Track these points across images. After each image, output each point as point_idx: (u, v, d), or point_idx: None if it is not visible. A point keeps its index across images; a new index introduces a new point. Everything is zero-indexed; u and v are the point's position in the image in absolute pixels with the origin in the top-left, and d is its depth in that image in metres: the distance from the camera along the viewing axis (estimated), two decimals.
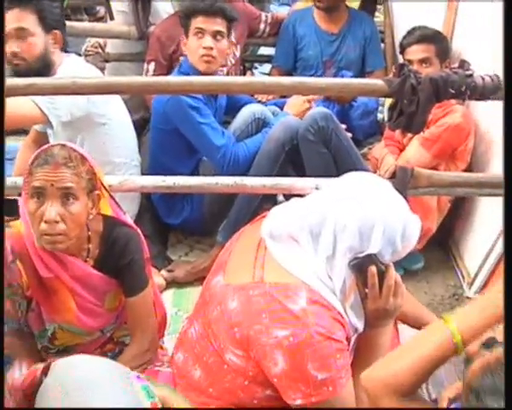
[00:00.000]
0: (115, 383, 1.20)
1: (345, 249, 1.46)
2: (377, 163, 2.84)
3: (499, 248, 2.52)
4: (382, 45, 3.73)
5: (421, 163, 2.53)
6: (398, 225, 1.47)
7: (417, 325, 2.00)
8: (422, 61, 2.74)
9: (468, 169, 2.71)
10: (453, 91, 1.79)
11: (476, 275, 2.67)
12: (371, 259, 1.47)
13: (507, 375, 0.47)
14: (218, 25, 2.64)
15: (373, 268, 1.48)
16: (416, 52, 2.76)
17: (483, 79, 1.82)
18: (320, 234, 1.49)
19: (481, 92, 1.82)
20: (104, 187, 1.77)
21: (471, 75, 1.81)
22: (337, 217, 1.46)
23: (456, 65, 2.28)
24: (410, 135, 2.67)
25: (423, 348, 1.30)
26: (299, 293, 1.45)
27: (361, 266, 1.48)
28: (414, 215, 1.52)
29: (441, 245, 2.95)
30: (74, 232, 1.62)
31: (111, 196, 1.83)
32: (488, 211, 2.68)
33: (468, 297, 2.67)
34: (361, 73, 3.50)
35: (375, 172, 2.72)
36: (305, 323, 1.41)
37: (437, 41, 2.81)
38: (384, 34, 3.77)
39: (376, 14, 4.18)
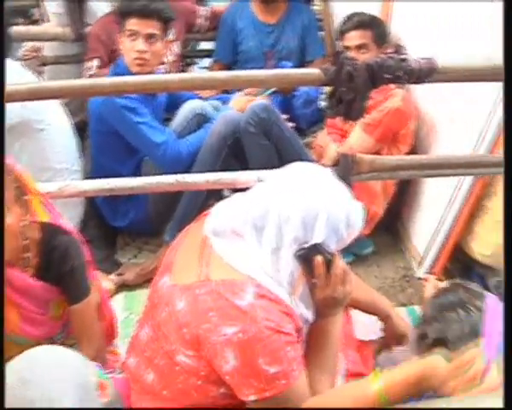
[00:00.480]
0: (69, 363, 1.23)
1: (290, 241, 1.45)
2: (322, 151, 2.85)
3: (446, 226, 2.57)
4: (322, 34, 3.75)
5: (364, 148, 2.55)
6: (341, 214, 1.47)
7: (369, 309, 2.02)
8: (360, 47, 2.76)
9: (412, 151, 2.75)
10: (389, 76, 1.78)
11: (425, 255, 2.71)
12: (317, 249, 1.47)
13: (506, 373, 0.48)
14: (152, 27, 2.57)
15: (319, 258, 1.47)
16: (354, 38, 2.78)
17: (418, 62, 1.83)
18: (264, 227, 1.47)
19: (418, 76, 1.82)
20: (35, 192, 1.73)
21: (406, 59, 1.81)
22: (280, 209, 1.45)
23: (392, 50, 2.30)
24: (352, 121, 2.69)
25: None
26: (246, 288, 1.44)
27: (307, 256, 1.47)
28: (357, 202, 1.53)
29: (389, 228, 2.98)
30: (11, 244, 1.58)
31: (47, 202, 1.79)
32: (433, 191, 2.73)
33: (419, 278, 2.71)
34: (302, 63, 3.50)
35: (319, 160, 2.74)
36: (253, 318, 1.40)
37: (374, 26, 2.83)
38: (323, 22, 3.78)
39: (315, 2, 4.19)
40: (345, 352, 1.92)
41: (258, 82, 1.73)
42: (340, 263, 1.54)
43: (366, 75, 1.77)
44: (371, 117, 2.66)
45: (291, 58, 3.43)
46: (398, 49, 2.25)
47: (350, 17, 2.86)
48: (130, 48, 2.57)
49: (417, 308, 2.52)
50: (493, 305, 1.42)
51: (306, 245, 1.46)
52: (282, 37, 3.47)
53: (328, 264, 1.50)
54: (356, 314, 2.24)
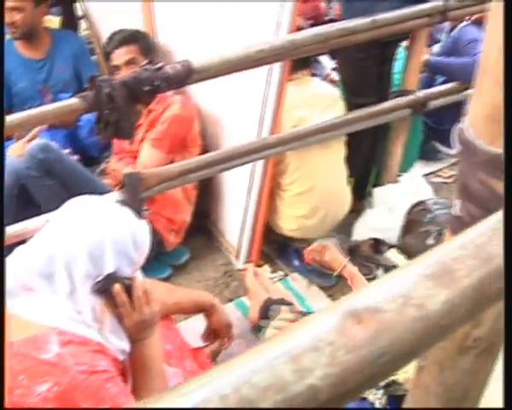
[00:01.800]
0: None
1: (82, 279, 1.42)
2: (118, 175, 2.79)
3: (251, 213, 2.64)
4: (95, 58, 3.70)
5: (156, 163, 2.52)
6: (126, 237, 1.45)
7: (194, 309, 2.06)
8: (128, 62, 2.72)
9: (205, 152, 2.78)
10: (149, 88, 1.79)
11: (239, 246, 2.78)
12: (112, 278, 1.44)
13: (506, 371, 0.47)
14: None
15: (117, 287, 1.46)
16: (120, 56, 2.74)
17: (174, 67, 1.85)
18: (53, 273, 1.42)
19: (177, 80, 1.85)
20: None
21: (161, 67, 1.83)
22: (64, 250, 1.41)
23: (147, 62, 2.32)
24: (139, 140, 2.68)
25: None
26: (49, 340, 1.38)
27: (104, 288, 1.45)
28: (140, 221, 1.52)
29: (201, 231, 3.01)
30: None
31: None
32: (232, 183, 2.80)
33: (239, 269, 2.76)
34: (81, 91, 3.42)
35: (117, 184, 2.69)
36: (64, 368, 1.35)
37: (138, 39, 2.80)
38: (94, 46, 3.74)
39: (84, 27, 4.13)
40: (181, 365, 1.91)
41: (16, 126, 1.66)
42: (141, 284, 1.53)
43: (125, 92, 1.76)
44: (156, 131, 2.64)
45: (68, 89, 3.33)
46: (152, 59, 2.26)
47: (112, 37, 2.81)
48: None
49: (245, 299, 2.57)
50: None
51: (101, 278, 1.43)
52: (54, 70, 3.36)
53: (129, 289, 1.49)
54: (185, 324, 2.25)
